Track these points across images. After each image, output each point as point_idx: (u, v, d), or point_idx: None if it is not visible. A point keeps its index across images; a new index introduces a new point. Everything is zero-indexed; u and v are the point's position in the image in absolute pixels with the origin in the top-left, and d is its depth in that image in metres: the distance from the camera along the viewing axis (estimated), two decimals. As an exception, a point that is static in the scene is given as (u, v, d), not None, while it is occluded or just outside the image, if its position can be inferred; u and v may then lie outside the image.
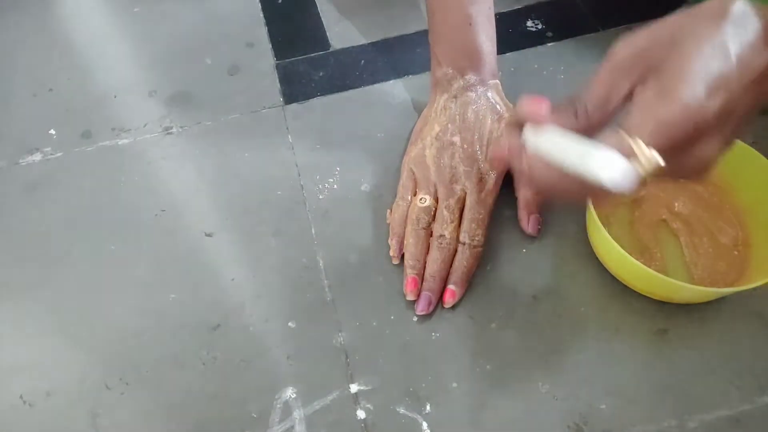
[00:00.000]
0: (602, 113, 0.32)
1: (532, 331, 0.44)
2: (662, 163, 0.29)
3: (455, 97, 0.50)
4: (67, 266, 0.49)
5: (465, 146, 0.48)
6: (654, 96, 0.29)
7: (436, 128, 0.50)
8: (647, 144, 0.29)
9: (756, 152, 0.44)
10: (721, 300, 0.44)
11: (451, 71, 0.51)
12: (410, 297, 0.45)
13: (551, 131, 0.33)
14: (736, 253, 0.45)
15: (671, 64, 0.29)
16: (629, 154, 0.29)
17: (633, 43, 0.31)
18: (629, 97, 0.31)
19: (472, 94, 0.50)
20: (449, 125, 0.49)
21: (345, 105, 0.58)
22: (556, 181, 0.32)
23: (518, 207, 0.48)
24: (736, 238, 0.46)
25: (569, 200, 0.35)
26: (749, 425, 0.40)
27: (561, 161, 0.32)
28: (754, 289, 0.39)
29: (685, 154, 0.30)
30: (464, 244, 0.46)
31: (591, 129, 0.32)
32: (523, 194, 0.48)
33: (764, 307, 0.44)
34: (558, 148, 0.32)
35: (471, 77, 0.50)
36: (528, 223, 0.47)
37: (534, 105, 0.34)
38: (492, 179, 0.48)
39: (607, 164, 0.29)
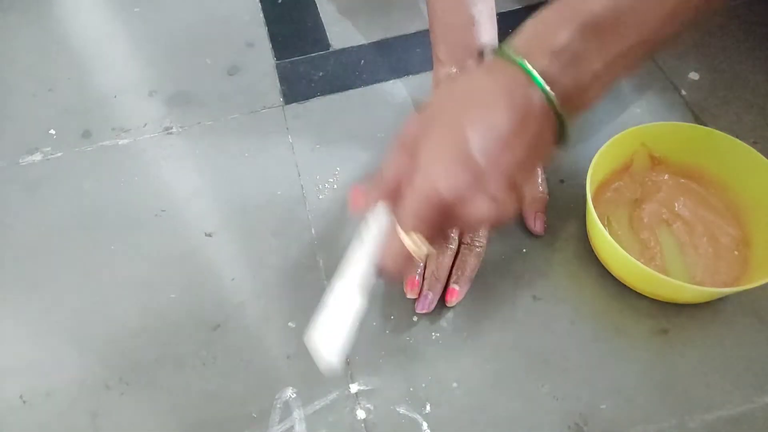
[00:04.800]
0: (391, 184, 0.35)
1: (533, 331, 0.44)
2: (426, 248, 0.34)
3: None
4: (67, 266, 0.49)
5: None
6: (405, 185, 0.34)
7: None
8: (409, 231, 0.33)
9: (756, 152, 0.44)
10: (721, 300, 0.44)
11: (455, 71, 0.51)
12: (410, 295, 0.45)
13: (374, 216, 0.37)
14: (736, 253, 0.45)
15: (420, 150, 0.33)
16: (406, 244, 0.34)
17: (409, 126, 0.35)
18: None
19: None
20: None
21: (345, 105, 0.58)
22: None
23: (523, 206, 0.48)
24: (736, 238, 0.46)
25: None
26: (749, 425, 0.40)
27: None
28: (754, 289, 0.39)
29: (453, 220, 0.34)
30: (467, 244, 0.45)
31: (395, 193, 0.35)
32: (529, 193, 0.48)
33: (764, 307, 0.44)
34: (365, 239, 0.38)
35: None
36: (534, 221, 0.47)
37: (355, 197, 0.38)
38: None
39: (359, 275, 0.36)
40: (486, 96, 0.32)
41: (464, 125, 0.32)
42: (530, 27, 0.34)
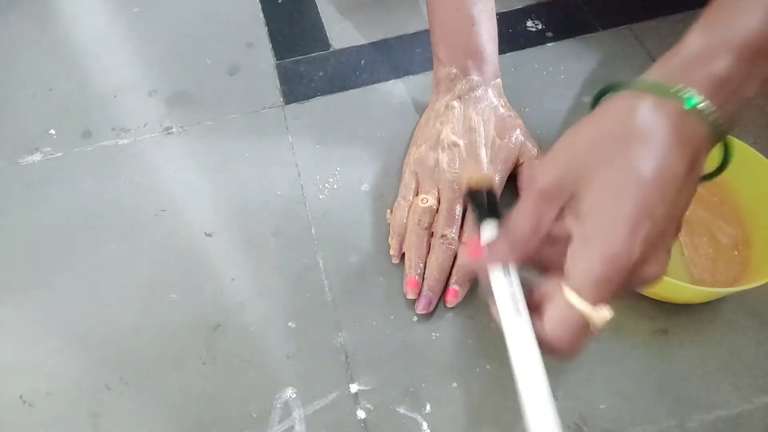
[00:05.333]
0: (535, 240, 0.31)
1: (532, 331, 0.44)
2: (611, 315, 0.28)
3: (459, 97, 0.50)
4: (67, 266, 0.49)
5: (468, 148, 0.48)
6: (581, 249, 0.29)
7: (439, 128, 0.50)
8: (592, 302, 0.28)
9: (756, 152, 0.44)
10: (721, 300, 0.44)
11: (455, 71, 0.51)
12: (410, 296, 0.45)
13: (498, 278, 0.32)
14: (736, 253, 0.45)
15: (587, 203, 0.29)
16: (582, 318, 0.29)
17: (550, 173, 0.30)
18: (560, 216, 0.31)
19: (476, 95, 0.50)
20: (453, 126, 0.49)
21: (345, 105, 0.58)
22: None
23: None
24: (736, 238, 0.46)
25: None
26: (749, 425, 0.40)
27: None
28: (754, 289, 0.39)
29: (631, 283, 0.29)
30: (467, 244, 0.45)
31: (529, 255, 0.32)
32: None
33: (764, 307, 0.44)
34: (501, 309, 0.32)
35: (474, 78, 0.50)
36: None
37: (474, 250, 0.33)
38: (495, 181, 0.48)
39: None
40: (651, 134, 0.28)
41: (637, 170, 0.27)
42: (682, 53, 0.30)
